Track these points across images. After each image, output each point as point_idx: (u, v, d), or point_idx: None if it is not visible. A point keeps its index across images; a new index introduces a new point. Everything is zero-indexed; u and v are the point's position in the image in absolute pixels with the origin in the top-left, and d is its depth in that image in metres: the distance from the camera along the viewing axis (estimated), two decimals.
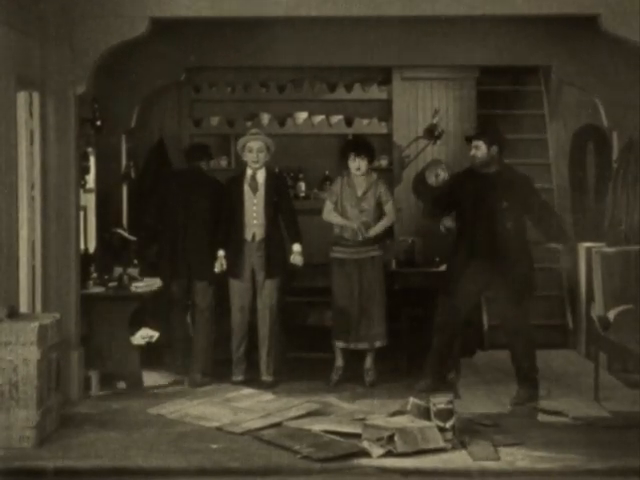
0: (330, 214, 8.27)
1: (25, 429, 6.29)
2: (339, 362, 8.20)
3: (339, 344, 8.16)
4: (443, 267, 8.28)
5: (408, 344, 8.52)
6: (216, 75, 9.93)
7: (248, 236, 8.15)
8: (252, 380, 8.10)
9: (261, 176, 8.21)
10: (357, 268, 8.14)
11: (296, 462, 6.07)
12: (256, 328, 8.20)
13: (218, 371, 8.28)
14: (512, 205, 7.54)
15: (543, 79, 10.25)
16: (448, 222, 7.77)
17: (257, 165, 8.18)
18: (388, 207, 8.22)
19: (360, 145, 8.31)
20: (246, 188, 8.19)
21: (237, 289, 8.17)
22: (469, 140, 7.76)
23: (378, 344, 8.12)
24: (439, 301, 7.80)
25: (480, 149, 7.64)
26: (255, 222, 8.16)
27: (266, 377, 8.10)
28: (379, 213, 8.20)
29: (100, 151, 9.03)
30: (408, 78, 9.80)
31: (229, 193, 8.25)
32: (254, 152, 8.17)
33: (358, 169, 8.19)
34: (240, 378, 8.13)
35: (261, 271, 8.13)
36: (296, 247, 8.21)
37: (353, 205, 8.21)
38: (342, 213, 8.22)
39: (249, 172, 8.22)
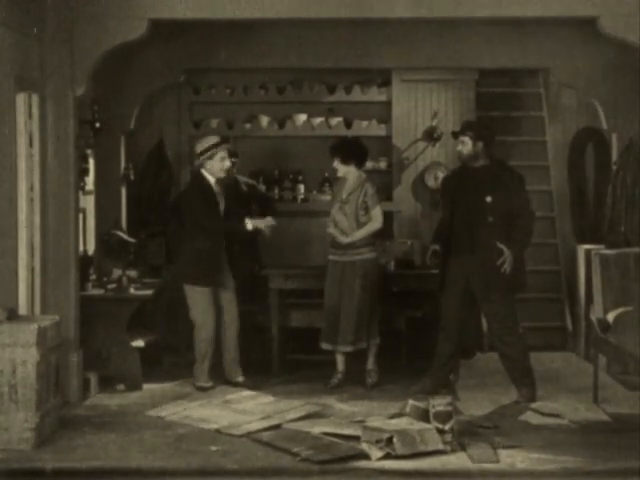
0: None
1: (24, 431, 6.29)
2: (340, 367, 8.19)
3: (324, 346, 8.16)
4: None
5: (407, 346, 8.52)
6: (215, 77, 9.93)
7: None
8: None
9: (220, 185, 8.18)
10: (348, 270, 8.12)
11: (295, 464, 6.06)
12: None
13: (217, 372, 8.28)
14: (496, 200, 7.54)
15: (542, 81, 10.26)
16: (435, 246, 7.80)
17: (229, 173, 8.17)
18: (374, 213, 8.16)
19: (334, 146, 8.31)
20: (219, 198, 8.13)
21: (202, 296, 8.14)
22: (455, 136, 7.80)
23: (361, 346, 8.10)
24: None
25: (466, 144, 7.67)
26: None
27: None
28: (367, 218, 8.17)
29: (99, 153, 9.03)
30: (407, 80, 9.80)
31: (201, 201, 8.10)
32: (227, 160, 8.07)
33: (336, 171, 8.23)
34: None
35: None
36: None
37: (337, 209, 8.22)
38: (333, 220, 8.23)
39: (212, 180, 8.08)
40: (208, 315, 8.04)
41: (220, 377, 8.15)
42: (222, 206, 8.12)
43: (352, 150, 8.25)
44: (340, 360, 8.17)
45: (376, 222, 8.18)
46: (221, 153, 8.05)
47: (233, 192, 8.21)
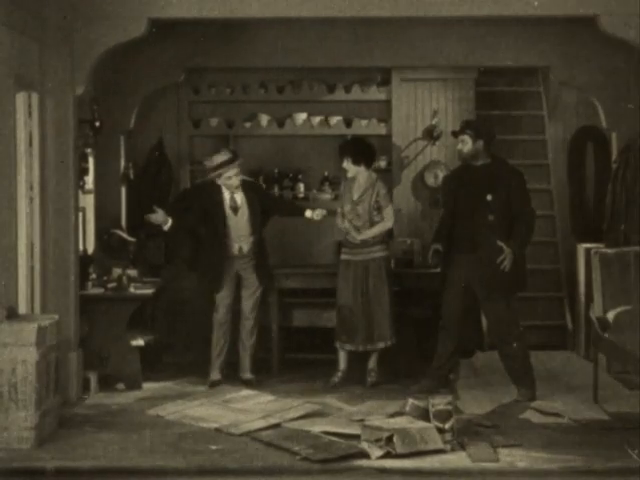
0: (337, 219, 8.29)
1: (24, 430, 6.28)
2: (342, 365, 8.17)
3: (340, 345, 8.14)
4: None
5: (407, 345, 8.52)
6: (215, 76, 9.92)
7: (235, 250, 8.18)
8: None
9: (239, 196, 8.19)
10: (361, 269, 8.12)
11: (295, 463, 6.06)
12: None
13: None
14: (496, 198, 7.54)
15: (542, 80, 10.25)
16: (437, 245, 7.78)
17: (238, 189, 8.16)
18: (386, 212, 8.18)
19: (344, 146, 8.32)
20: (228, 211, 8.15)
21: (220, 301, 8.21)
22: (455, 134, 7.80)
23: (381, 345, 8.11)
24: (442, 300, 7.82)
25: (466, 143, 7.67)
26: (242, 238, 8.18)
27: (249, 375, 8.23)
28: (380, 218, 8.16)
29: (99, 152, 9.03)
30: (407, 79, 9.79)
31: (206, 205, 8.19)
32: (234, 179, 8.13)
33: (347, 171, 8.20)
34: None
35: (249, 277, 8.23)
36: (308, 213, 8.29)
37: (349, 210, 8.21)
38: (343, 216, 8.24)
39: (227, 193, 8.17)
40: (221, 300, 8.16)
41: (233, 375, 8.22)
42: (246, 213, 8.16)
43: (363, 150, 8.25)
44: (343, 359, 8.15)
45: (388, 221, 8.19)
46: (228, 172, 8.09)
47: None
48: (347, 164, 8.19)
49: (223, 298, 8.17)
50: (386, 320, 8.09)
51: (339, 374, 8.16)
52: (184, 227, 8.31)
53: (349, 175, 8.24)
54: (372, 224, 8.15)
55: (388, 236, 8.45)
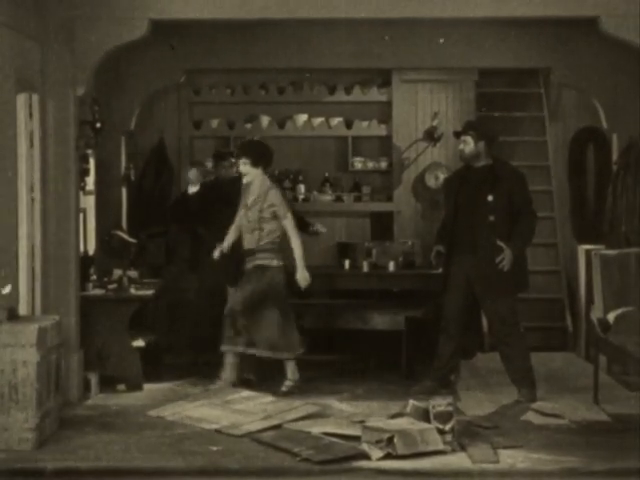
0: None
1: (24, 431, 6.28)
2: (226, 372, 7.90)
3: (224, 348, 7.90)
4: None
5: (408, 346, 8.52)
6: (216, 77, 9.94)
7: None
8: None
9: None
10: (247, 276, 7.88)
11: (296, 464, 6.05)
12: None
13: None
14: (497, 199, 7.55)
15: (542, 81, 10.25)
16: (439, 246, 7.78)
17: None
18: (286, 223, 7.82)
19: (243, 146, 8.06)
20: None
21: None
22: (457, 135, 7.80)
23: (285, 355, 7.83)
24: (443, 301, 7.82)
25: (468, 144, 7.68)
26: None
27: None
28: (273, 226, 7.83)
29: (100, 153, 9.03)
30: (408, 80, 9.81)
31: (235, 196, 8.17)
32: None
33: (245, 174, 7.89)
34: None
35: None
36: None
37: (242, 215, 7.95)
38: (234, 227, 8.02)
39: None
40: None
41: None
42: None
43: (263, 151, 7.94)
44: (226, 363, 7.91)
45: (296, 237, 7.83)
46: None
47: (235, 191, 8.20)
48: (245, 166, 7.85)
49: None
50: (281, 329, 7.78)
51: (220, 382, 7.91)
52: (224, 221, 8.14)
53: (246, 180, 7.87)
54: (261, 232, 7.83)
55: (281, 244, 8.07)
